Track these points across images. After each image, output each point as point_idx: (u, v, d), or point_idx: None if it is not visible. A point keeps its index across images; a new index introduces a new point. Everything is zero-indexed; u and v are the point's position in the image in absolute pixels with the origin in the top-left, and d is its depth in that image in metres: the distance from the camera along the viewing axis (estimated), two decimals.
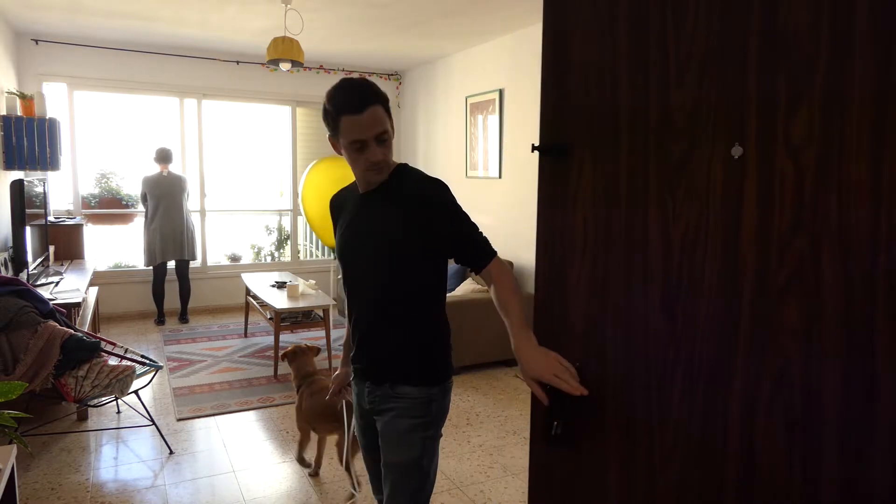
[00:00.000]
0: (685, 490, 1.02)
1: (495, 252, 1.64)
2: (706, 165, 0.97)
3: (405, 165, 1.70)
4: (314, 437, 3.11)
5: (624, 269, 1.09)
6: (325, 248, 7.48)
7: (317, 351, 3.26)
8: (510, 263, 5.06)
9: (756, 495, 0.93)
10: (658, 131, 1.03)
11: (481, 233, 1.66)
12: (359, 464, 2.96)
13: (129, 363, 3.26)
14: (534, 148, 1.21)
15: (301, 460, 3.15)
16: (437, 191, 1.62)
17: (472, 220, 1.67)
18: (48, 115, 4.93)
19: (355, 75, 6.93)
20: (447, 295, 5.09)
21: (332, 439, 3.08)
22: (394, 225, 1.62)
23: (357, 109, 1.51)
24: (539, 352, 1.27)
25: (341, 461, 2.88)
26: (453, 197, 1.65)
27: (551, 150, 1.19)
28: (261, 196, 7.18)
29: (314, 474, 3.11)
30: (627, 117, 1.07)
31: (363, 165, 1.58)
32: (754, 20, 0.90)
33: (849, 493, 0.84)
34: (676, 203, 1.01)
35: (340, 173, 3.66)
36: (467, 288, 5.04)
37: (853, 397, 0.84)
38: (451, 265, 5.43)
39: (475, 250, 1.62)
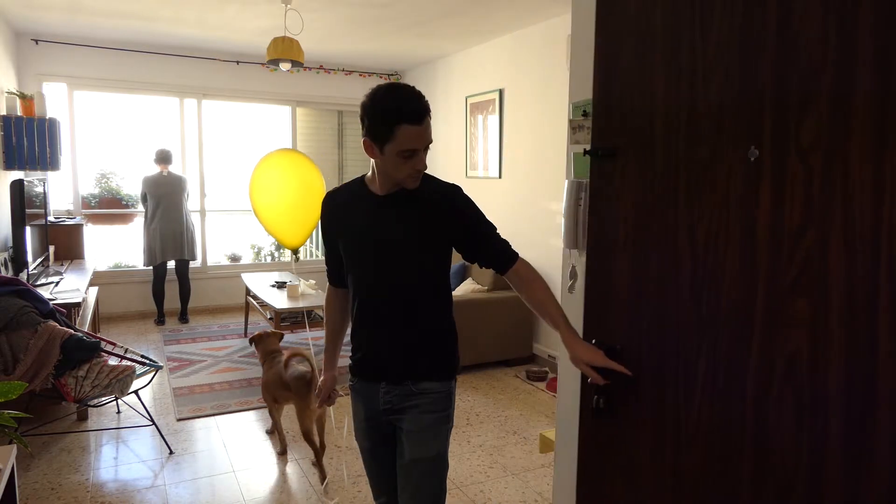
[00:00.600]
0: (708, 465, 1.12)
1: (517, 252, 1.68)
2: (727, 168, 1.05)
3: None
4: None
5: (657, 261, 1.20)
6: (323, 247, 7.48)
7: (280, 336, 3.54)
8: None
9: (768, 474, 1.01)
10: (687, 137, 1.13)
11: (500, 234, 1.71)
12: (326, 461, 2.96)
13: (129, 363, 3.26)
14: (585, 152, 1.33)
15: (272, 432, 3.53)
16: (459, 194, 1.68)
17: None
18: (48, 115, 4.93)
19: (355, 75, 6.95)
20: None
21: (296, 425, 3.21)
22: (420, 226, 1.65)
23: (419, 120, 1.52)
24: (586, 344, 1.40)
25: (306, 438, 3.07)
26: (471, 199, 1.70)
27: (599, 153, 1.32)
28: None
29: (282, 453, 3.37)
30: (662, 124, 1.18)
31: (407, 172, 1.58)
32: (769, 34, 0.99)
33: (852, 470, 0.91)
34: (701, 203, 1.10)
35: (295, 172, 3.53)
36: (467, 288, 5.04)
37: (855, 386, 0.90)
38: (451, 266, 5.42)
39: (500, 252, 1.67)
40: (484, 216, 1.70)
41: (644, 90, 1.21)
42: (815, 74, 0.92)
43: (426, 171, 1.70)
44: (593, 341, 1.37)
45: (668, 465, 1.19)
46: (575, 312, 1.58)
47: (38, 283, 4.08)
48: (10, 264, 4.09)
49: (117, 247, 6.56)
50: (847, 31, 0.88)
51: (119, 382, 3.13)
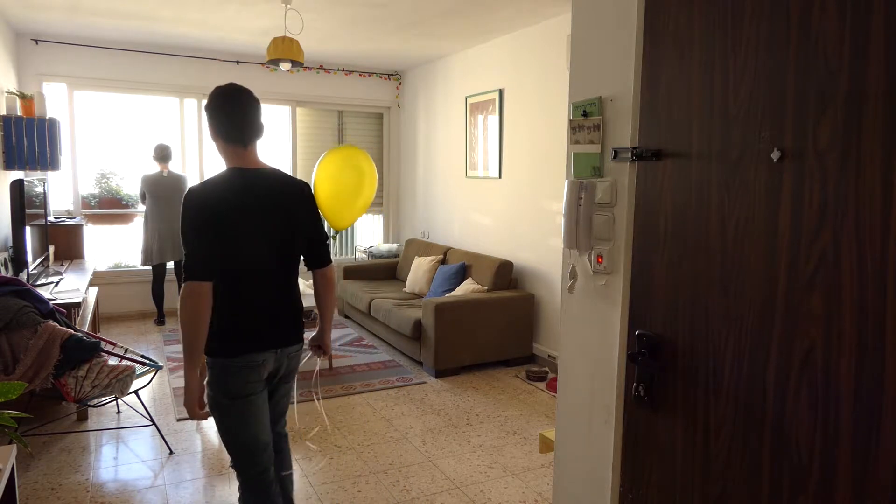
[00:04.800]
0: (732, 451, 1.21)
1: (195, 278, 1.89)
2: (753, 168, 1.14)
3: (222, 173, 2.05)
4: None
5: (691, 256, 1.28)
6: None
7: None
8: (509, 263, 5.06)
9: (785, 458, 1.10)
10: (720, 138, 1.21)
11: (197, 256, 1.91)
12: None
13: (129, 363, 3.26)
14: (632, 153, 1.41)
15: None
16: (185, 198, 1.95)
17: (206, 239, 1.93)
18: (48, 115, 4.93)
19: (355, 75, 6.95)
20: (448, 295, 5.05)
21: None
22: None
23: None
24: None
25: None
26: (191, 209, 1.92)
27: (644, 155, 1.40)
28: None
29: None
30: (698, 125, 1.26)
31: None
32: (791, 40, 1.07)
33: (861, 458, 0.99)
34: (731, 201, 1.19)
35: (353, 162, 3.70)
36: (467, 288, 5.04)
37: (864, 379, 0.97)
38: (451, 266, 5.42)
39: (184, 265, 1.93)
40: (191, 229, 1.92)
41: (683, 93, 1.30)
42: (832, 78, 1.00)
43: (212, 176, 2.02)
44: (637, 332, 1.42)
45: (698, 450, 1.28)
46: (576, 308, 1.58)
47: (38, 283, 4.08)
48: (10, 264, 4.09)
49: (117, 247, 6.56)
50: (860, 34, 0.96)
51: (119, 382, 3.13)
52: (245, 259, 2.00)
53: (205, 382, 2.02)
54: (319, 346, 2.38)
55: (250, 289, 2.02)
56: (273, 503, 2.12)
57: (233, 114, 2.01)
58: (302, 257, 2.22)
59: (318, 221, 2.26)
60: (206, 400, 2.02)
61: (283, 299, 2.12)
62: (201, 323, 1.89)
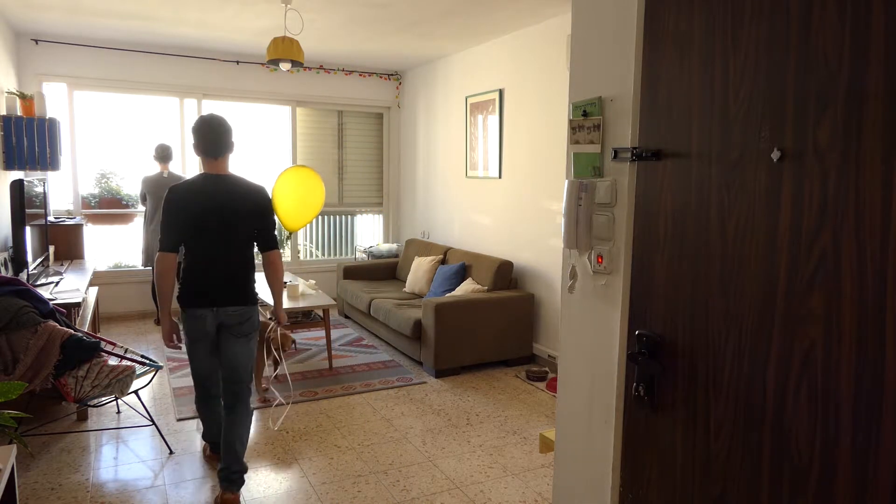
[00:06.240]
0: (732, 451, 1.22)
1: (165, 249, 2.72)
2: (753, 168, 1.14)
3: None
4: None
5: (691, 256, 1.29)
6: (326, 248, 7.48)
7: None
8: (509, 263, 5.06)
9: (785, 458, 1.10)
10: (720, 138, 1.22)
11: (166, 234, 2.73)
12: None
13: (129, 363, 3.26)
14: (632, 153, 1.42)
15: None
16: (167, 191, 2.75)
17: (168, 222, 2.73)
18: (48, 115, 4.93)
19: (355, 75, 6.95)
20: (448, 295, 5.10)
21: None
22: None
23: None
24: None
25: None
26: (168, 200, 2.73)
27: (644, 155, 1.40)
28: None
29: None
30: (698, 125, 1.27)
31: None
32: (791, 40, 1.08)
33: (861, 458, 0.99)
34: (730, 201, 1.19)
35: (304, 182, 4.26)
36: (467, 288, 5.04)
37: (864, 379, 0.97)
38: (451, 266, 5.42)
39: (159, 239, 2.74)
40: (162, 212, 2.74)
41: (683, 93, 1.30)
42: (832, 78, 1.00)
43: (188, 177, 2.78)
44: (637, 332, 1.42)
45: (698, 450, 1.28)
46: (576, 308, 1.58)
47: (38, 283, 4.08)
48: (10, 264, 4.09)
49: (117, 247, 6.56)
50: (860, 34, 0.96)
51: (119, 382, 3.13)
52: (200, 240, 2.74)
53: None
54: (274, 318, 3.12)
55: (203, 262, 2.76)
56: (210, 414, 3.07)
57: (206, 135, 2.77)
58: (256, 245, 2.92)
59: (268, 216, 2.88)
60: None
61: (227, 272, 2.78)
62: (167, 279, 2.75)
